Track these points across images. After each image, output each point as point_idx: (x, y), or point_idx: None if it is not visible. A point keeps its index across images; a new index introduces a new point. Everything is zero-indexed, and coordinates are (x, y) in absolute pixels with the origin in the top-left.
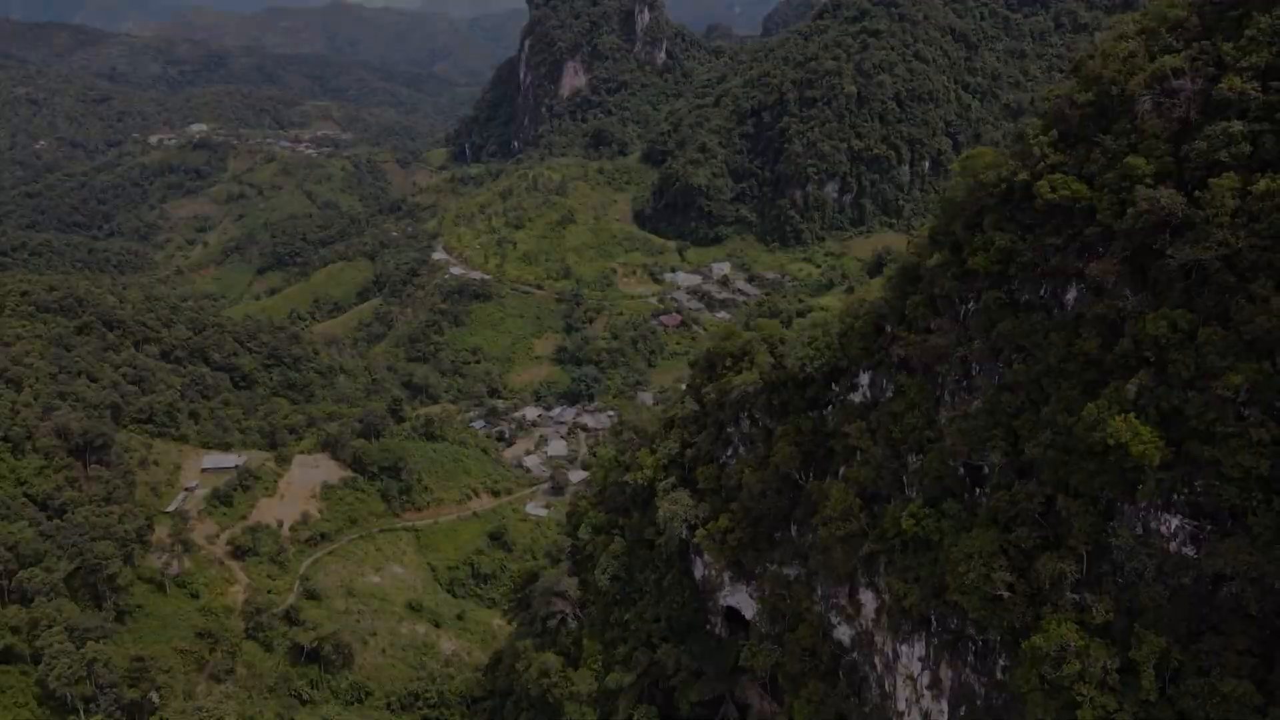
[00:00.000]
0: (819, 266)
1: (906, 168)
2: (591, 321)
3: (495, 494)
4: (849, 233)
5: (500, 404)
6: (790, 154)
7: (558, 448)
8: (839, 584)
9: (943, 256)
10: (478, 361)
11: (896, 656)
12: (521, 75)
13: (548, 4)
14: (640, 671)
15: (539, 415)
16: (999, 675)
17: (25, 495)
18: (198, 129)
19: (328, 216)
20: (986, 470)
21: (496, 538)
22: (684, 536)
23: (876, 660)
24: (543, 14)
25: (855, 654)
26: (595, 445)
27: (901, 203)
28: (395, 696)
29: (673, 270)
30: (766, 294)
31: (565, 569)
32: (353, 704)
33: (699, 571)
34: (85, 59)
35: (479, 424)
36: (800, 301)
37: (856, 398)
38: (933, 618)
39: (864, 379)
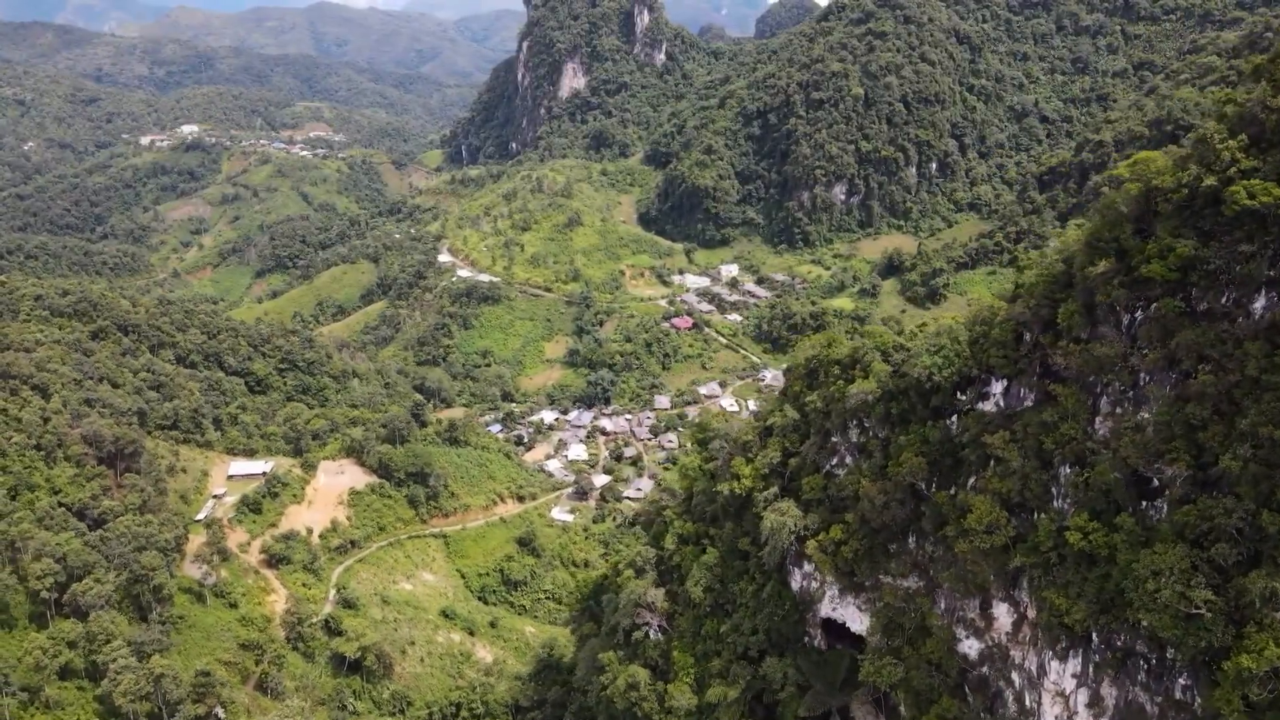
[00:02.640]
0: (828, 269)
1: (913, 169)
2: (602, 324)
3: (520, 499)
4: (856, 235)
5: (515, 408)
6: (797, 156)
7: (577, 451)
8: (968, 596)
9: (1108, 264)
10: (488, 365)
11: (1043, 673)
12: (519, 76)
13: (546, 5)
14: (744, 685)
15: (556, 419)
16: (1178, 695)
17: (61, 505)
18: (189, 130)
19: (326, 218)
20: (1157, 483)
21: (525, 543)
22: (788, 548)
23: (1014, 676)
24: (541, 15)
25: (985, 669)
26: (617, 450)
27: (909, 205)
28: (437, 707)
29: (680, 272)
30: (778, 296)
31: (651, 580)
32: (395, 714)
33: (797, 583)
34: (70, 60)
35: (495, 428)
36: (813, 304)
37: (988, 407)
38: (1094, 634)
39: (997, 388)
